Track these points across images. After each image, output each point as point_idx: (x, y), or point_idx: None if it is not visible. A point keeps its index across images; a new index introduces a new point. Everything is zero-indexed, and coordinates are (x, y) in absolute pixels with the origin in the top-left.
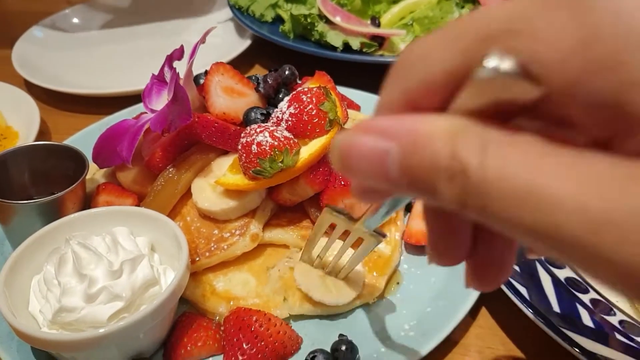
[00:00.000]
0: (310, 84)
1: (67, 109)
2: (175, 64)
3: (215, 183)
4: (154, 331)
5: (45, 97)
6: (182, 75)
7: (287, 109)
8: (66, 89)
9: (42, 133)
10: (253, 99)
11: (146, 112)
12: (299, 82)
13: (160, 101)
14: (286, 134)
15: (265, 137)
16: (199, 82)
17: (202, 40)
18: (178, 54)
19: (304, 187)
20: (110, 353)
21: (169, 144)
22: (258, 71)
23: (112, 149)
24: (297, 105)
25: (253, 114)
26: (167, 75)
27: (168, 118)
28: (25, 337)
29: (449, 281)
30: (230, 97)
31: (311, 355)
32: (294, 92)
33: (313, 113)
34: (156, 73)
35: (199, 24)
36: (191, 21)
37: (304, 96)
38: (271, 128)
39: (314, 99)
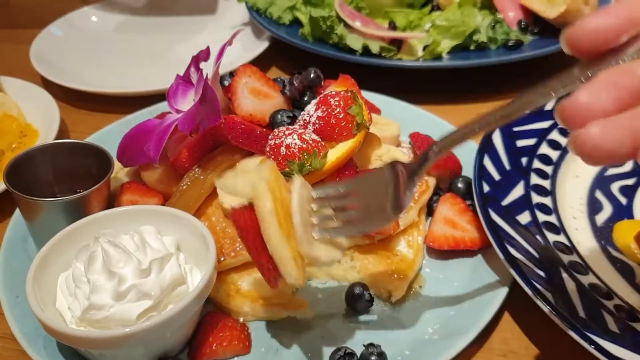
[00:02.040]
0: (336, 88)
1: (85, 107)
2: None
3: None
4: (181, 330)
5: (63, 95)
6: (208, 76)
7: (315, 112)
8: (85, 88)
9: (62, 131)
10: (279, 101)
11: (170, 112)
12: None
13: (186, 102)
14: (314, 136)
15: (294, 139)
16: (224, 83)
17: (230, 42)
18: (204, 55)
19: None
20: (137, 352)
21: (195, 145)
22: (275, 73)
23: (137, 148)
24: (324, 109)
25: (279, 116)
26: (193, 76)
27: (196, 118)
28: (54, 333)
29: (472, 285)
30: (257, 99)
31: (337, 356)
32: (321, 96)
33: (341, 117)
34: (175, 73)
35: (217, 23)
36: (209, 21)
37: (331, 99)
38: (300, 131)
39: (341, 103)
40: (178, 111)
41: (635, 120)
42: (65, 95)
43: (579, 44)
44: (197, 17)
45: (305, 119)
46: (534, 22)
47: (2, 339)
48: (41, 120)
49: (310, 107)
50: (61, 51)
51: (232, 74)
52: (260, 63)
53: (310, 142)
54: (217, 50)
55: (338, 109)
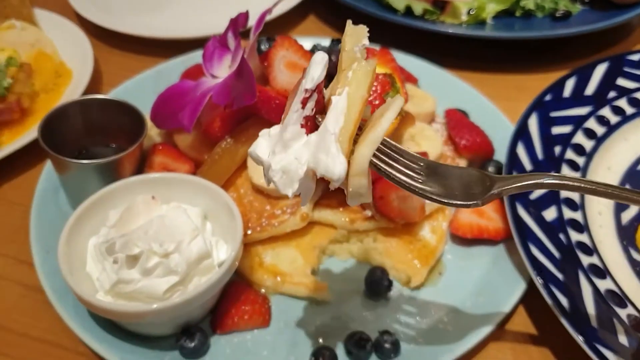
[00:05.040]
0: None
1: (118, 46)
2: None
3: None
4: (205, 303)
5: (96, 31)
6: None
7: None
8: (118, 29)
9: (95, 72)
10: None
11: (205, 76)
12: None
13: (222, 68)
14: None
15: None
16: (261, 49)
17: (269, 11)
18: (243, 20)
19: None
20: (162, 322)
21: (228, 115)
22: (312, 22)
23: (170, 111)
24: None
25: None
26: (230, 42)
27: (232, 93)
28: (83, 302)
29: (491, 276)
30: (293, 73)
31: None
32: None
33: (376, 103)
34: (210, 21)
35: None
36: None
37: None
38: None
39: (379, 88)
40: (213, 76)
41: None
42: (99, 32)
43: None
44: None
45: None
46: None
47: (31, 289)
48: (74, 59)
49: None
50: None
51: (269, 39)
52: (299, 11)
53: None
54: (257, 15)
55: (374, 95)
